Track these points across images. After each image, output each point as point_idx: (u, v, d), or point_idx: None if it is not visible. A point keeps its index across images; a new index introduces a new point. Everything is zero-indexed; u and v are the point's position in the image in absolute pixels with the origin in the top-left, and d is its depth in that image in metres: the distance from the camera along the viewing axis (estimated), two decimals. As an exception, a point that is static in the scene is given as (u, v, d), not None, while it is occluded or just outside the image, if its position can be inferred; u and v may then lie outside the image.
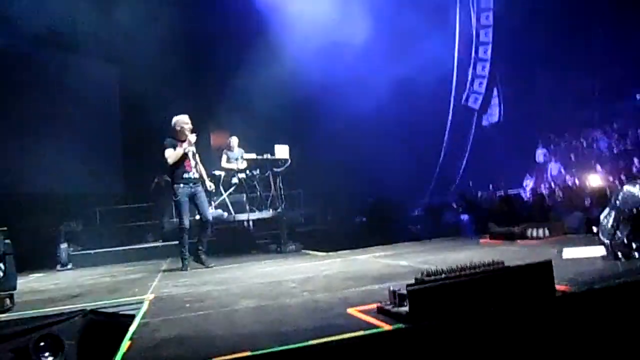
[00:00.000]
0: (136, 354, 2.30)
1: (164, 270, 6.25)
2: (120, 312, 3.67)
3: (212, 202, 9.70)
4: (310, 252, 6.77)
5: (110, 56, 11.99)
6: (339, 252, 6.20)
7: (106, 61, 12.19)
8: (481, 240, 6.02)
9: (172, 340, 2.50)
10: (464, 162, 13.13)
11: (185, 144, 6.13)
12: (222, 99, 11.76)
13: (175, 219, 10.17)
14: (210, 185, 6.61)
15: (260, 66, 11.38)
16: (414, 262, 4.60)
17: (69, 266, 8.24)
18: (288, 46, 11.15)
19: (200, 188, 6.27)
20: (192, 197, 6.16)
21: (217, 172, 9.88)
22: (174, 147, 6.10)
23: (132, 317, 3.24)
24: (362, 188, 10.94)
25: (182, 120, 6.32)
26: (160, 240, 9.57)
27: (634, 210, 3.81)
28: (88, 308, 3.61)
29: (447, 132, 13.25)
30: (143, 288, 4.58)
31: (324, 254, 6.31)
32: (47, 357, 2.57)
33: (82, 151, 10.89)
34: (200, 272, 5.70)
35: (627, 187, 3.94)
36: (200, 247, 6.25)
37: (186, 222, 6.13)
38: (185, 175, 6.12)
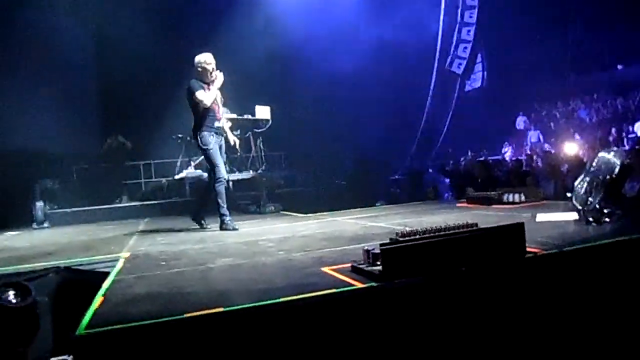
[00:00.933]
0: (108, 310, 2.29)
1: (142, 230, 6.21)
2: (95, 270, 3.66)
3: (192, 162, 9.63)
4: (290, 213, 6.79)
5: (86, 13, 11.56)
6: (318, 213, 6.22)
7: (82, 18, 11.76)
8: (458, 204, 6.09)
9: (144, 296, 2.50)
10: (446, 126, 13.17)
11: (213, 86, 5.46)
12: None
13: (162, 179, 10.19)
14: (234, 140, 6.07)
15: (241, 25, 11.12)
16: (391, 224, 4.64)
17: (45, 225, 8.13)
18: (270, 4, 10.87)
19: (223, 142, 5.73)
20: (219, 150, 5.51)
21: (197, 132, 9.77)
22: (203, 90, 5.40)
23: (107, 274, 3.23)
24: (343, 150, 10.93)
25: (205, 60, 5.58)
26: (139, 200, 9.49)
27: (607, 176, 3.87)
28: (62, 265, 3.60)
29: (429, 96, 13.22)
30: (119, 246, 4.55)
31: (302, 215, 6.33)
32: (9, 295, 2.55)
33: (59, 109, 10.61)
34: (177, 230, 5.68)
35: (601, 154, 4.00)
36: (201, 208, 5.77)
37: (225, 173, 5.49)
38: (216, 124, 5.51)
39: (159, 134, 10.94)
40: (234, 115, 9.12)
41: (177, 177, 9.50)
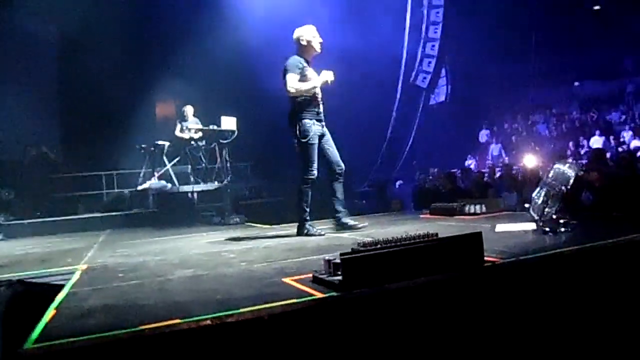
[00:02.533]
0: (60, 324, 2.21)
1: (102, 242, 6.05)
2: (50, 283, 3.53)
3: (155, 173, 9.48)
4: (254, 224, 6.74)
5: (48, 16, 11.27)
6: (283, 225, 6.19)
7: (43, 21, 11.47)
8: (422, 216, 6.17)
9: (99, 308, 2.43)
10: (411, 139, 13.36)
11: (316, 79, 4.74)
12: (168, 68, 11.37)
13: (124, 190, 9.95)
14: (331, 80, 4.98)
15: (208, 35, 11.07)
16: (355, 234, 4.66)
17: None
18: (237, 15, 10.86)
19: (327, 131, 4.98)
20: (320, 140, 4.85)
21: (160, 142, 9.64)
22: (302, 71, 4.68)
23: (62, 287, 3.12)
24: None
25: (309, 32, 4.89)
26: (100, 211, 9.26)
27: (562, 188, 4.00)
28: (15, 279, 3.46)
29: (395, 110, 13.40)
30: (77, 258, 4.42)
31: (267, 226, 6.29)
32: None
33: (16, 116, 10.31)
34: (140, 242, 5.56)
35: (557, 166, 4.13)
36: (339, 208, 5.05)
37: (316, 171, 4.82)
38: (317, 109, 4.80)
39: (121, 143, 10.74)
40: (199, 126, 9.07)
41: (139, 188, 9.33)
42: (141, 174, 9.74)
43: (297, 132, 4.73)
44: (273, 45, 11.18)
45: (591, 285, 2.95)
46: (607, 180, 6.79)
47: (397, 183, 10.94)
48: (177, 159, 9.67)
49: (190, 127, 9.22)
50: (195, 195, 9.08)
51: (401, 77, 13.27)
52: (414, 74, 13.42)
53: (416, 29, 13.43)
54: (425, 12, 13.24)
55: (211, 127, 8.63)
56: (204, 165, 9.52)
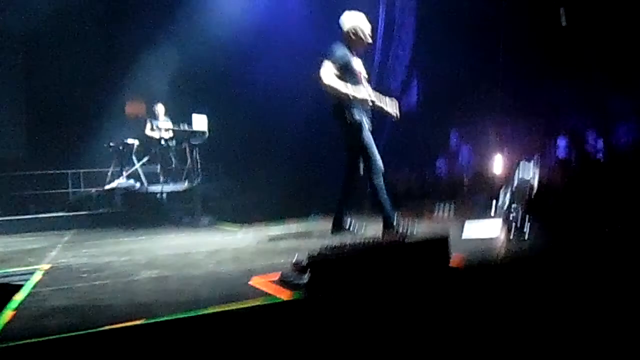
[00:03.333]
0: (18, 325, 2.16)
1: (66, 242, 5.90)
2: (11, 283, 3.44)
3: (124, 172, 9.31)
4: (224, 225, 6.68)
5: (16, 8, 10.94)
6: (253, 225, 6.16)
7: (9, 14, 11.13)
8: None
9: (61, 309, 2.38)
10: (383, 142, 13.44)
11: (359, 91, 4.34)
12: (138, 65, 11.17)
13: (91, 189, 9.72)
14: (395, 114, 4.73)
15: (179, 32, 10.92)
16: (325, 236, 4.67)
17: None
18: (209, 12, 10.75)
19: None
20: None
21: (129, 141, 9.47)
22: (344, 65, 4.28)
23: (22, 287, 3.04)
24: (283, 162, 10.91)
25: (360, 22, 4.41)
26: (66, 210, 9.02)
27: (527, 193, 4.09)
28: (-29, 279, 3.36)
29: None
30: (39, 258, 4.31)
31: (237, 227, 6.25)
32: None
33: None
34: (106, 243, 5.45)
35: (522, 170, 4.22)
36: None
37: (380, 161, 4.39)
38: (366, 106, 4.42)
39: (89, 141, 10.50)
40: (170, 125, 8.96)
41: (107, 187, 9.14)
42: (109, 173, 9.53)
43: (347, 121, 4.30)
44: (246, 43, 11.15)
45: (554, 287, 3.03)
46: (571, 181, 6.99)
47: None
48: (146, 158, 9.51)
49: (162, 126, 9.09)
50: (164, 195, 8.94)
51: (373, 80, 13.33)
52: (385, 77, 13.51)
53: (388, 33, 13.53)
54: (397, 14, 13.35)
55: (182, 126, 8.53)
56: (174, 165, 9.39)
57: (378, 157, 4.38)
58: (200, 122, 8.32)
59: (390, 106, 4.62)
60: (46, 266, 3.79)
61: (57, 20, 10.09)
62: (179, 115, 8.99)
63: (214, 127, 8.34)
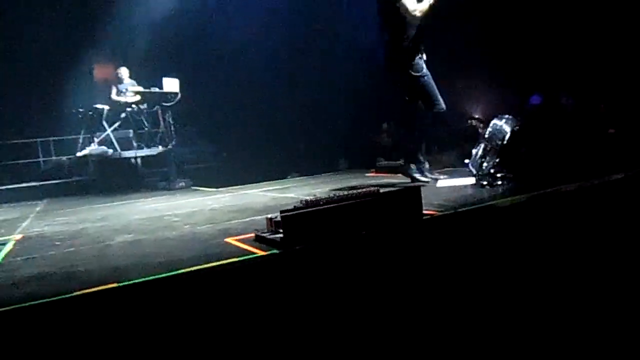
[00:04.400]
0: (-12, 295, 2.12)
1: (39, 212, 5.80)
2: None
3: (95, 139, 9.10)
4: (200, 188, 6.64)
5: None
6: (229, 187, 6.13)
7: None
8: (368, 174, 6.24)
9: (32, 278, 2.34)
10: (358, 98, 13.31)
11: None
12: (106, 27, 10.76)
13: (62, 157, 9.47)
14: None
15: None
16: (301, 194, 4.67)
17: None
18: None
19: None
20: None
21: (99, 106, 9.22)
22: None
23: (-7, 258, 2.99)
24: (256, 124, 10.78)
25: None
26: (37, 180, 8.83)
27: (500, 142, 4.13)
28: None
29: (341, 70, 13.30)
30: (10, 229, 4.23)
31: (213, 189, 6.21)
32: None
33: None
34: (80, 210, 5.37)
35: (494, 121, 4.24)
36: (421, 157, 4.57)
37: (443, 103, 4.45)
38: (422, 46, 4.40)
39: (58, 108, 10.19)
40: (141, 88, 8.71)
41: (79, 154, 8.93)
42: (80, 140, 9.31)
43: (410, 67, 4.28)
44: (220, 4, 10.82)
45: (525, 235, 3.10)
46: (544, 132, 7.07)
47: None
48: (117, 123, 9.29)
49: (131, 89, 8.84)
50: (138, 160, 8.80)
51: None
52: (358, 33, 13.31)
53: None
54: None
55: (152, 89, 8.32)
56: (146, 129, 9.20)
57: (441, 99, 4.46)
58: (171, 85, 8.12)
59: None
60: (18, 236, 3.72)
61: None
62: (150, 78, 8.74)
63: (187, 91, 8.17)
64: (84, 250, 2.89)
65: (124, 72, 9.33)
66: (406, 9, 4.22)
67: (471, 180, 4.19)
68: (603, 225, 3.38)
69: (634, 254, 3.25)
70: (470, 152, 4.46)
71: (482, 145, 4.21)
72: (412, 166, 4.51)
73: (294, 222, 2.32)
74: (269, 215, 2.64)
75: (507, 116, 4.56)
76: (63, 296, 1.93)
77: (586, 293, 2.94)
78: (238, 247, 2.55)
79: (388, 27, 4.39)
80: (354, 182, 5.27)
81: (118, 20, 10.67)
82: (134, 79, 9.32)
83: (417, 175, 4.48)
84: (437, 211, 2.96)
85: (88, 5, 11.03)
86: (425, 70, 4.38)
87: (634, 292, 2.93)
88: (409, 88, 4.43)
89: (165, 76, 8.25)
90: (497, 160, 4.12)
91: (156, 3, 10.44)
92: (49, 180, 8.60)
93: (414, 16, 4.23)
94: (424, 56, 4.43)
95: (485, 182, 3.96)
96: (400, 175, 5.60)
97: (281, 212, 2.40)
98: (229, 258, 2.29)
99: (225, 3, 10.68)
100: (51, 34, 10.38)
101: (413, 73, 4.33)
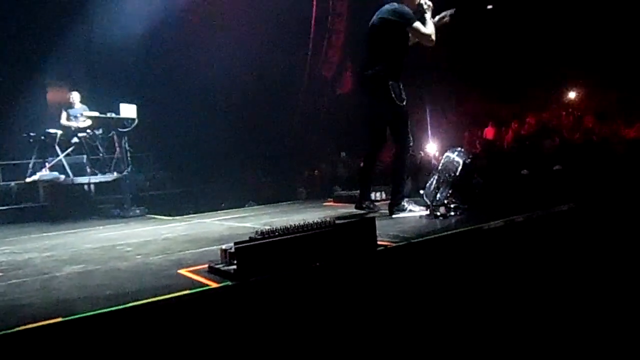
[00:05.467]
0: None
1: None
2: None
3: (46, 164, 8.82)
4: (155, 216, 6.51)
5: None
6: (185, 216, 6.04)
7: None
8: (325, 203, 6.29)
9: (-29, 311, 2.23)
10: (317, 128, 13.52)
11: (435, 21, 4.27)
12: (62, 50, 10.57)
13: (10, 182, 9.09)
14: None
15: (106, 15, 10.42)
16: (258, 224, 4.66)
17: None
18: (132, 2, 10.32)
19: None
20: None
21: (52, 131, 8.97)
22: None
23: None
24: (214, 152, 10.73)
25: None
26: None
27: (452, 174, 4.26)
28: None
29: (299, 98, 13.50)
30: (-50, 258, 4.02)
31: (169, 218, 6.11)
32: None
33: None
34: (27, 239, 5.16)
35: (447, 154, 4.39)
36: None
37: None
38: (401, 74, 4.38)
39: (7, 131, 9.86)
40: (96, 114, 8.53)
41: (28, 180, 8.62)
42: (30, 165, 9.00)
43: (393, 95, 4.21)
44: (179, 33, 10.83)
45: (476, 265, 3.18)
46: (495, 165, 7.36)
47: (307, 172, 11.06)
48: (71, 149, 9.05)
49: (85, 114, 8.66)
50: (91, 187, 8.57)
51: (308, 66, 13.34)
52: (319, 63, 13.57)
53: (322, 19, 13.56)
54: (330, 3, 13.41)
55: (109, 114, 8.18)
56: (101, 155, 9.00)
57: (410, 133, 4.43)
58: (128, 110, 8.02)
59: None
60: (-43, 266, 3.54)
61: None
62: (105, 104, 8.60)
63: (143, 116, 8.07)
64: (29, 283, 2.78)
65: (75, 96, 9.17)
66: (422, 34, 4.19)
67: (425, 211, 4.28)
68: (550, 253, 3.53)
69: (580, 280, 3.40)
70: (424, 183, 4.58)
71: (436, 177, 4.33)
72: (403, 202, 4.40)
73: (248, 253, 2.32)
74: (223, 246, 2.62)
75: (459, 149, 4.72)
76: (4, 332, 1.84)
77: (537, 319, 3.04)
78: (191, 278, 2.51)
79: (381, 53, 4.27)
80: (311, 212, 5.30)
81: (74, 44, 10.52)
82: (87, 104, 9.16)
83: (412, 207, 4.38)
84: (392, 242, 3.01)
85: (44, 27, 10.83)
86: (405, 101, 4.36)
87: (583, 315, 3.05)
88: (393, 119, 4.39)
89: (122, 102, 8.15)
90: (450, 191, 4.24)
91: (114, 27, 10.36)
92: (-2, 205, 8.25)
93: (431, 41, 4.21)
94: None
95: (439, 213, 4.06)
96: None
97: (235, 243, 2.39)
98: (180, 290, 2.25)
99: (185, 31, 10.70)
100: (4, 56, 10.11)
101: (398, 102, 4.30)
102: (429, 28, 4.22)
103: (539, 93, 14.92)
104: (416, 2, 4.30)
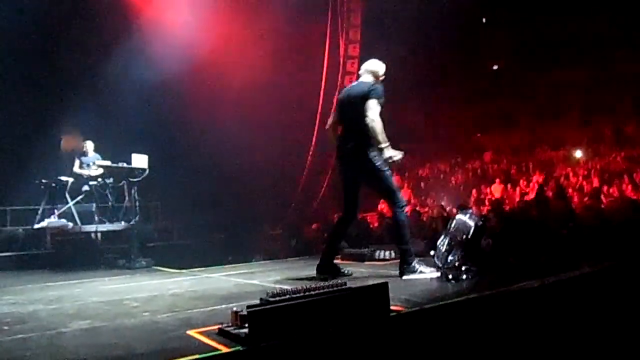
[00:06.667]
0: None
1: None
2: None
3: (55, 211, 8.87)
4: (162, 268, 6.45)
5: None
6: (192, 269, 5.99)
7: None
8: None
9: (-24, 369, 2.18)
10: (326, 181, 13.57)
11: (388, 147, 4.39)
12: (76, 99, 10.81)
13: (18, 227, 9.08)
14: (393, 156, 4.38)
15: (122, 66, 10.71)
16: (265, 281, 4.60)
17: None
18: (155, 48, 10.64)
19: None
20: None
21: (63, 178, 9.08)
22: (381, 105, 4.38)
23: None
24: (223, 203, 10.76)
25: (383, 70, 4.65)
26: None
27: (464, 237, 4.22)
28: None
29: (311, 151, 13.62)
30: (-46, 307, 3.97)
31: (175, 270, 6.05)
32: None
33: None
34: (32, 288, 5.11)
35: (459, 216, 4.37)
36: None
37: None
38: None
39: (18, 177, 9.94)
40: (107, 163, 8.64)
41: (36, 226, 8.64)
42: (39, 211, 9.04)
43: (372, 161, 4.33)
44: (193, 84, 11.10)
45: (491, 331, 3.11)
46: (505, 226, 7.29)
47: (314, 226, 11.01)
48: (80, 196, 9.12)
49: (98, 163, 8.77)
50: (99, 235, 8.56)
51: (318, 119, 13.55)
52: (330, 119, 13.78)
53: (333, 72, 13.89)
54: (341, 61, 13.77)
55: (120, 164, 8.28)
56: (110, 203, 9.04)
57: (400, 192, 4.54)
58: (140, 161, 8.12)
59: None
60: (-38, 316, 3.49)
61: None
62: (118, 153, 8.72)
63: (152, 165, 8.15)
64: (34, 338, 2.73)
65: (89, 145, 9.35)
66: (367, 109, 4.29)
67: (437, 273, 4.23)
68: (564, 320, 3.44)
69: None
70: (435, 243, 4.53)
71: (448, 239, 4.29)
72: (414, 263, 4.34)
73: (261, 317, 2.27)
74: (234, 308, 2.57)
75: (470, 211, 4.71)
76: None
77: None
78: (200, 341, 2.46)
79: (361, 126, 4.35)
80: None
81: (87, 94, 10.76)
82: (101, 153, 9.30)
83: (423, 268, 4.32)
84: (404, 307, 2.96)
85: (60, 77, 11.13)
86: (387, 165, 4.39)
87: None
88: (378, 183, 4.46)
89: (133, 151, 8.25)
90: (462, 254, 4.19)
91: (129, 77, 10.61)
92: (1, 251, 8.20)
93: (371, 120, 4.27)
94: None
95: (451, 276, 4.01)
96: (366, 263, 5.62)
97: (248, 306, 2.35)
98: (190, 354, 2.20)
99: (206, 87, 10.96)
100: (16, 102, 10.31)
101: (375, 164, 4.35)
102: (378, 120, 4.30)
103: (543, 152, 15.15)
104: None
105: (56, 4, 10.65)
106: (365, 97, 4.34)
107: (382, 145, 4.33)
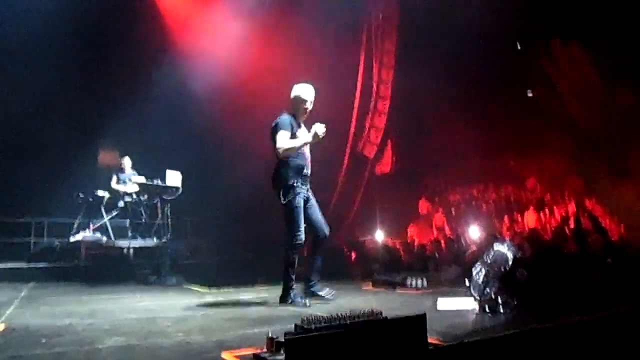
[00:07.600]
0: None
1: (24, 297, 5.59)
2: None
3: (91, 225, 9.06)
4: (192, 286, 6.47)
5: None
6: (222, 288, 5.99)
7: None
8: (364, 287, 6.14)
9: (16, 383, 2.20)
10: (355, 208, 13.50)
11: (306, 135, 4.56)
12: (115, 114, 11.07)
13: (54, 239, 9.31)
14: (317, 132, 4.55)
15: (159, 85, 10.94)
16: (297, 305, 4.55)
17: None
18: (193, 67, 10.87)
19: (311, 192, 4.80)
20: (305, 204, 4.64)
21: (100, 193, 9.29)
22: (293, 130, 4.54)
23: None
24: (254, 224, 10.78)
25: (307, 93, 4.76)
26: (25, 261, 8.61)
27: (502, 268, 4.12)
28: None
29: (342, 175, 13.60)
30: (-6, 315, 4.06)
31: (206, 290, 6.06)
32: None
33: None
34: (67, 300, 5.19)
35: (497, 247, 4.27)
36: (313, 277, 4.83)
37: (303, 236, 4.57)
38: (305, 171, 4.64)
39: (56, 190, 10.17)
40: (143, 179, 8.79)
41: (72, 239, 8.83)
42: (75, 224, 9.25)
43: (281, 194, 4.51)
44: (229, 104, 11.26)
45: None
46: (540, 257, 7.09)
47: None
48: (115, 212, 9.31)
49: (134, 179, 8.95)
50: (131, 251, 8.69)
51: (349, 145, 13.57)
52: (361, 143, 13.77)
53: (365, 101, 13.91)
54: (374, 86, 13.79)
55: (155, 181, 8.41)
56: (143, 220, 9.19)
57: (302, 232, 4.55)
58: (174, 178, 8.23)
59: (318, 129, 4.58)
60: (1, 326, 3.55)
61: (25, 61, 9.92)
62: (153, 170, 8.87)
63: (186, 183, 8.24)
64: (71, 353, 2.75)
65: (126, 161, 9.55)
66: (275, 142, 4.53)
67: (472, 304, 4.12)
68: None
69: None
70: (469, 272, 4.43)
71: (484, 270, 4.19)
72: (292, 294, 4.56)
73: (298, 346, 2.24)
74: (270, 334, 2.55)
75: (507, 241, 4.61)
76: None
77: None
78: (235, 365, 2.44)
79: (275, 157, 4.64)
80: (351, 297, 5.16)
81: (127, 110, 10.98)
82: (136, 167, 9.49)
83: (298, 300, 4.52)
84: (441, 340, 2.88)
85: (101, 94, 11.40)
86: (297, 200, 4.52)
87: None
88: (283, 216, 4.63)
89: (168, 168, 8.36)
90: (500, 285, 4.08)
91: (167, 95, 10.81)
92: (37, 262, 8.40)
93: (278, 155, 4.53)
94: (302, 184, 4.62)
95: (488, 308, 3.90)
96: (397, 291, 5.53)
97: (285, 333, 2.32)
98: (226, 379, 2.18)
99: (242, 108, 11.06)
100: (56, 115, 10.55)
101: (282, 201, 4.53)
102: (286, 143, 4.50)
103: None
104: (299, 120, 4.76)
105: (100, 19, 10.95)
106: (273, 130, 4.59)
107: (303, 141, 4.57)
